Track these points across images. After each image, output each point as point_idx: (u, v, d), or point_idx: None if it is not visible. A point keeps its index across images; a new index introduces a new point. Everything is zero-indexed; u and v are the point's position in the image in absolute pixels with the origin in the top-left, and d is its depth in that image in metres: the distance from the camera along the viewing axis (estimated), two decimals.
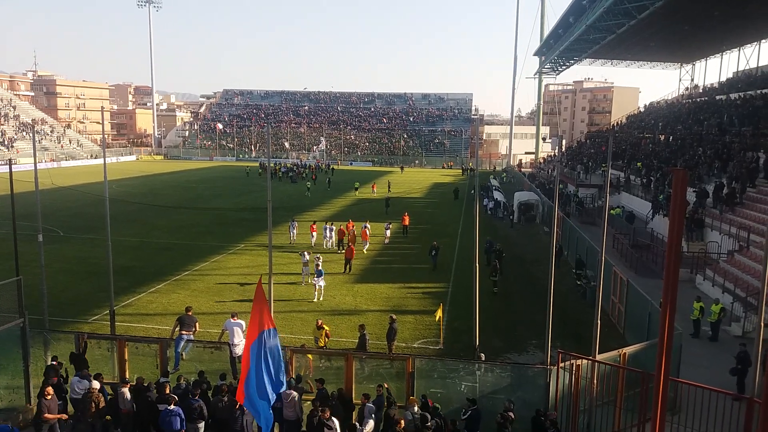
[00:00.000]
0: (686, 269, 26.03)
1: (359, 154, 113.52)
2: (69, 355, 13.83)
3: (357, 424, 11.70)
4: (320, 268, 23.73)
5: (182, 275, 26.66)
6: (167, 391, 12.23)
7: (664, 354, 6.66)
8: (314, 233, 33.99)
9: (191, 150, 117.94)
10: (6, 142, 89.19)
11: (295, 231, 34.40)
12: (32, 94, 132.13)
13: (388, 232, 35.85)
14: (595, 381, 12.72)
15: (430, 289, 25.51)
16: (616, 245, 32.36)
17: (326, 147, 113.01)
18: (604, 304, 18.84)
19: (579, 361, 12.76)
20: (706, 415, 11.39)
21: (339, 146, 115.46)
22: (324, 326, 16.83)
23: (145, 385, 12.68)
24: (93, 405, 12.23)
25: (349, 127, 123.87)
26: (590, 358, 12.96)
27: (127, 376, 13.48)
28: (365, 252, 32.21)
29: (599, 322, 13.37)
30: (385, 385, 12.87)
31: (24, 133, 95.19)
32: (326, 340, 16.50)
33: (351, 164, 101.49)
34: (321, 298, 23.18)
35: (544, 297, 13.38)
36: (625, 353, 13.41)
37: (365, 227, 33.26)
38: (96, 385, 12.57)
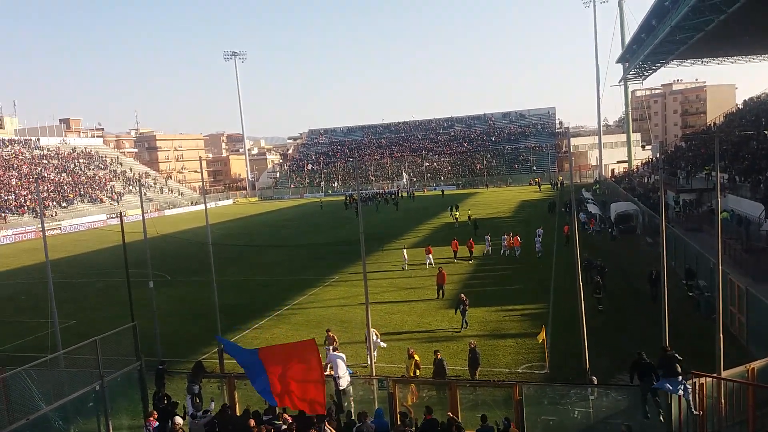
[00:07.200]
0: None
1: (442, 178, 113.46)
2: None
3: None
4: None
5: (282, 310, 27.40)
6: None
7: None
8: (430, 255, 34.87)
9: (282, 190, 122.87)
10: (116, 197, 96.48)
11: (405, 256, 35.29)
12: (136, 150, 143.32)
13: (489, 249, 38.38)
14: (722, 400, 11.72)
15: (529, 310, 24.70)
16: (728, 251, 30.10)
17: (408, 178, 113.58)
18: (722, 315, 17.45)
19: (703, 379, 11.81)
20: None
21: (422, 173, 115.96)
22: (415, 355, 16.47)
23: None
24: None
25: (430, 153, 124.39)
26: (715, 375, 11.97)
27: (237, 412, 13.89)
28: (517, 256, 36.09)
29: (721, 335, 12.34)
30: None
31: (131, 187, 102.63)
32: (417, 371, 16.10)
33: (435, 189, 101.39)
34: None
35: (654, 311, 12.56)
36: (753, 368, 12.30)
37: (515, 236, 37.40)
38: (179, 420, 12.79)
